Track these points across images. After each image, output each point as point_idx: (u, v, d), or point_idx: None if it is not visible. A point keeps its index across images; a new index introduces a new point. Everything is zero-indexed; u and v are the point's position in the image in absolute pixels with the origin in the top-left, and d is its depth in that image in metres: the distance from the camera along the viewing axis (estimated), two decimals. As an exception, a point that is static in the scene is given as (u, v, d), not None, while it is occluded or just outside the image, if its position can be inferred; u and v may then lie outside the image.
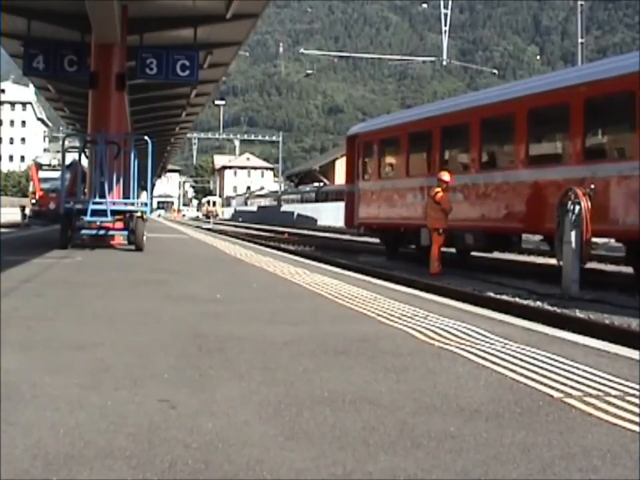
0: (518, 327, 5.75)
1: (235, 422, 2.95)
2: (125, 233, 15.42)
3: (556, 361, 4.31)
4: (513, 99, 14.86)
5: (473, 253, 17.44)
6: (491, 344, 4.85)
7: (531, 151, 14.26)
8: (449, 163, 17.39)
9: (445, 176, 15.41)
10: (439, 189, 15.30)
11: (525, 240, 16.99)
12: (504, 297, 10.92)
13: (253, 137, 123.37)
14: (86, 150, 17.63)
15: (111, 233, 15.76)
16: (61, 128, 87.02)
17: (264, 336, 4.97)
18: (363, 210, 20.68)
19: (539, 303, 10.57)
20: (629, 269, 13.85)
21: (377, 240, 22.09)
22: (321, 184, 74.03)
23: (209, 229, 40.59)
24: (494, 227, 15.19)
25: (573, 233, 11.32)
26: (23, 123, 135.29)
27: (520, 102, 14.42)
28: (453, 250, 17.33)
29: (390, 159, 20.56)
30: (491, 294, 11.25)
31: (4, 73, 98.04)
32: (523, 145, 14.31)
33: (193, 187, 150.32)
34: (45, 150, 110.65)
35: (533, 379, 3.82)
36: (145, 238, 14.85)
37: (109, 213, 14.96)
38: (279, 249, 20.44)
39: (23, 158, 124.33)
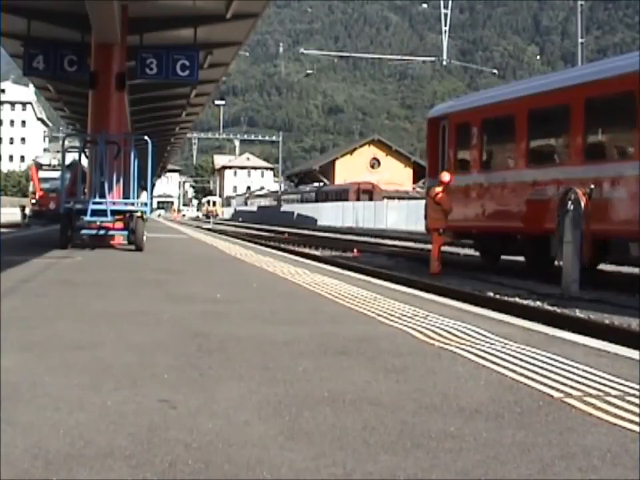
0: (518, 326, 5.74)
1: (235, 422, 2.95)
2: (125, 232, 15.41)
3: (556, 361, 4.31)
4: None
5: (470, 252, 17.39)
6: (491, 344, 4.85)
7: None
8: (599, 147, 13.46)
9: (445, 176, 15.48)
10: (439, 189, 15.33)
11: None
12: (504, 297, 10.92)
13: (252, 137, 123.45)
14: (86, 150, 17.63)
15: (110, 232, 15.76)
16: (60, 128, 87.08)
17: (264, 336, 4.97)
18: (454, 211, 16.24)
19: (538, 303, 10.58)
20: (629, 269, 13.87)
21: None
22: (321, 184, 74.09)
23: (209, 229, 40.58)
24: None
25: (573, 233, 11.33)
26: (23, 122, 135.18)
27: None
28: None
29: (499, 145, 16.49)
30: (491, 294, 11.26)
31: (4, 73, 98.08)
32: None
33: (193, 187, 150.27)
34: (45, 150, 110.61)
35: (532, 379, 3.82)
36: (144, 238, 14.85)
37: (108, 212, 14.95)
38: (279, 249, 20.43)
39: (23, 158, 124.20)
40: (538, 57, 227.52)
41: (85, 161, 19.27)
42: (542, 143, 15.12)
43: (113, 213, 15.13)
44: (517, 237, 15.04)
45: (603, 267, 14.44)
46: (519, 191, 14.72)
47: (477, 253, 17.27)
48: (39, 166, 40.32)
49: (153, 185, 37.66)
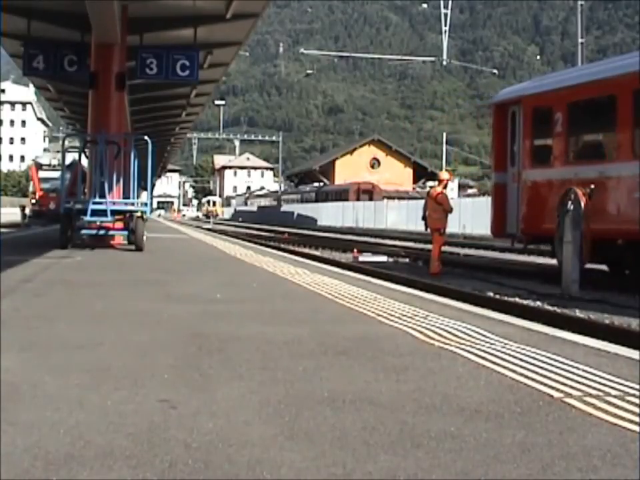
0: (518, 326, 5.74)
1: (235, 422, 2.95)
2: (125, 233, 15.42)
3: (556, 361, 4.31)
4: None
5: (470, 252, 17.32)
6: (491, 344, 4.85)
7: None
8: None
9: (444, 175, 15.48)
10: (440, 189, 15.30)
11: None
12: (504, 297, 10.92)
13: (252, 137, 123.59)
14: (86, 150, 17.64)
15: (111, 233, 15.77)
16: (61, 128, 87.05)
17: (264, 336, 4.97)
18: (530, 211, 14.19)
19: (538, 303, 10.57)
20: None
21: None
22: (321, 184, 74.10)
23: (209, 229, 40.57)
24: None
25: (573, 233, 11.33)
26: (23, 122, 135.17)
27: None
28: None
29: (592, 133, 13.85)
30: (491, 294, 11.25)
31: (4, 73, 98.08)
32: None
33: (193, 187, 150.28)
34: (45, 150, 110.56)
35: (532, 379, 3.82)
36: (144, 238, 14.86)
37: (108, 212, 14.96)
38: (279, 249, 20.43)
39: (23, 158, 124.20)
40: (538, 57, 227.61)
41: (85, 161, 19.29)
42: None
43: (113, 213, 15.14)
44: (616, 242, 12.34)
45: (603, 267, 14.43)
46: (622, 187, 12.13)
47: (473, 252, 17.21)
48: (39, 166, 40.28)
49: (153, 185, 37.65)
